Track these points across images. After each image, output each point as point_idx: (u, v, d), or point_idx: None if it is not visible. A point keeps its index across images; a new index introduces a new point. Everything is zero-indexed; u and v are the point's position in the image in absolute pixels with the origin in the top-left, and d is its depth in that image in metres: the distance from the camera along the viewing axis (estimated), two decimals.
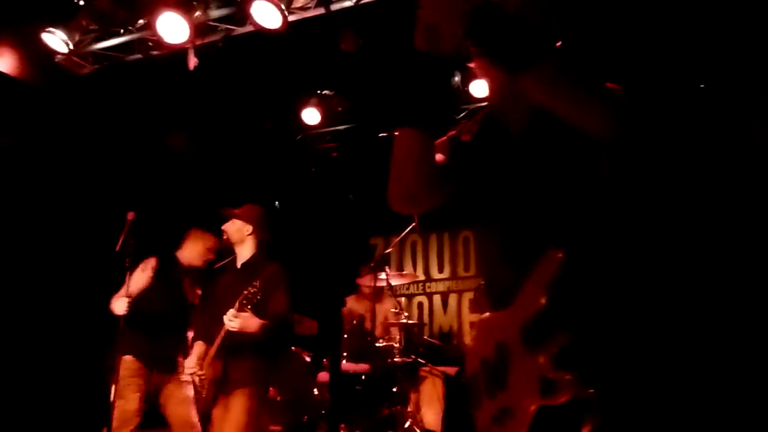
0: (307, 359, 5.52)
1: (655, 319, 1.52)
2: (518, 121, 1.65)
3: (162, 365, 4.26)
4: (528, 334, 1.45)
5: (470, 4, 1.37)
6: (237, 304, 3.48)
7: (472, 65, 1.66)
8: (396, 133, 1.55)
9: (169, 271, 4.41)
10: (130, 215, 4.00)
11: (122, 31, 5.05)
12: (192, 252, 4.52)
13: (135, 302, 3.95)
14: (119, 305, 3.92)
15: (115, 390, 3.77)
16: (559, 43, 1.58)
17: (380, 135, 4.52)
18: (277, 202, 6.80)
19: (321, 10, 4.62)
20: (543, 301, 1.43)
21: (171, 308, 4.35)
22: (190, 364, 3.76)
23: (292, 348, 5.34)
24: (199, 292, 4.50)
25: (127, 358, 4.09)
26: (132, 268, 4.00)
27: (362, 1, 4.48)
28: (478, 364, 1.64)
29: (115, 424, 3.70)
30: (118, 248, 3.99)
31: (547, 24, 1.62)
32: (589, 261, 1.48)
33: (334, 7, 4.59)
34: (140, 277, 4.23)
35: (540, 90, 1.44)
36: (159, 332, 4.28)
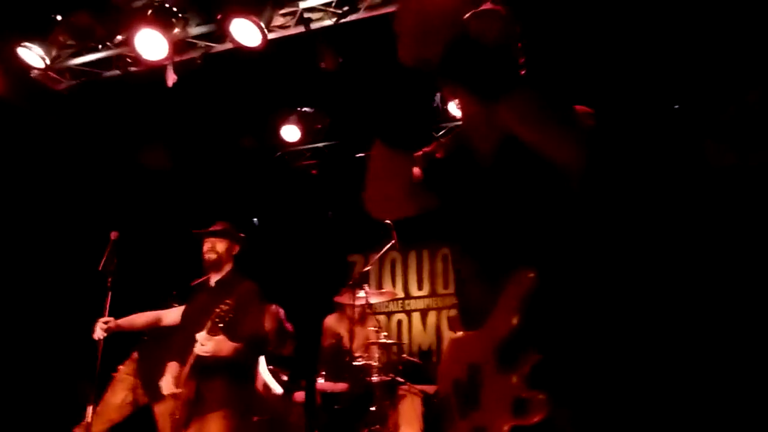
0: (284, 378, 5.46)
1: (625, 337, 1.53)
2: (488, 145, 1.66)
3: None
4: (501, 354, 1.45)
5: (453, 17, 1.36)
6: (209, 326, 3.43)
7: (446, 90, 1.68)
8: (374, 144, 1.54)
9: None
10: (114, 235, 3.96)
11: (100, 46, 5.02)
12: None
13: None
14: (98, 330, 3.86)
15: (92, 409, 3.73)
16: (524, 71, 1.60)
17: (358, 155, 4.54)
18: (255, 219, 6.77)
19: (301, 29, 4.63)
20: (515, 321, 1.44)
21: None
22: (165, 385, 3.70)
23: (270, 367, 5.29)
24: None
25: (134, 356, 4.07)
26: (114, 288, 3.96)
27: (342, 21, 4.50)
28: (450, 384, 1.63)
29: (95, 413, 3.64)
30: (100, 268, 3.95)
31: (518, 52, 1.65)
32: (560, 281, 1.49)
33: (314, 25, 4.61)
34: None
35: (512, 119, 1.45)
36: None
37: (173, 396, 3.63)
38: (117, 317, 3.97)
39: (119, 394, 4.02)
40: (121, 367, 4.21)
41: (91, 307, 4.09)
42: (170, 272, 4.64)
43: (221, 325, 3.44)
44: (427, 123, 1.51)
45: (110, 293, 3.93)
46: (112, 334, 3.88)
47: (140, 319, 4.08)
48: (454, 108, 5.70)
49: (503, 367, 1.43)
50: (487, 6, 1.60)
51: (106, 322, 3.86)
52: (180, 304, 4.41)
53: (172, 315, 4.14)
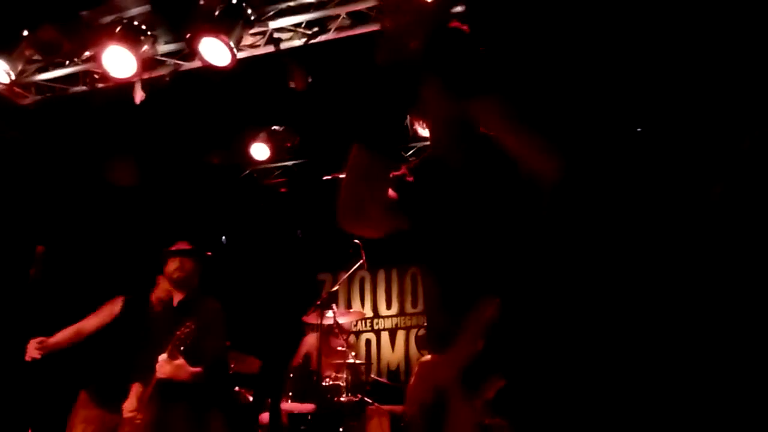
0: (249, 399, 5.40)
1: (590, 364, 1.56)
2: (458, 156, 1.67)
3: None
4: (464, 379, 1.46)
5: (432, 19, 1.39)
6: (169, 349, 3.38)
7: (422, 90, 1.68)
8: (353, 148, 1.52)
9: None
10: (40, 249, 3.88)
11: (67, 62, 4.96)
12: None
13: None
14: (31, 351, 3.77)
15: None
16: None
17: (325, 178, 4.53)
18: (223, 237, 6.72)
19: (270, 48, 4.64)
20: (479, 346, 1.45)
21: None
22: (128, 407, 3.63)
23: (235, 388, 5.22)
24: None
25: (83, 394, 3.97)
26: (44, 304, 3.88)
27: (312, 41, 4.52)
28: (417, 407, 1.64)
29: None
30: (28, 283, 3.87)
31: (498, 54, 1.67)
32: (524, 306, 1.51)
33: (284, 45, 4.62)
34: (104, 317, 4.09)
35: (489, 118, 1.46)
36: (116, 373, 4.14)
37: (133, 419, 3.57)
38: (48, 334, 3.88)
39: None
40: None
41: (17, 324, 4.00)
42: (106, 286, 4.52)
43: (182, 348, 3.40)
44: (404, 129, 1.50)
45: (38, 308, 3.85)
46: (45, 354, 3.79)
47: (64, 335, 3.98)
48: (422, 130, 5.76)
49: (467, 392, 1.44)
50: (454, 24, 1.61)
51: (40, 342, 3.77)
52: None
53: (91, 322, 4.06)
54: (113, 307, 4.16)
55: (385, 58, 1.40)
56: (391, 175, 1.69)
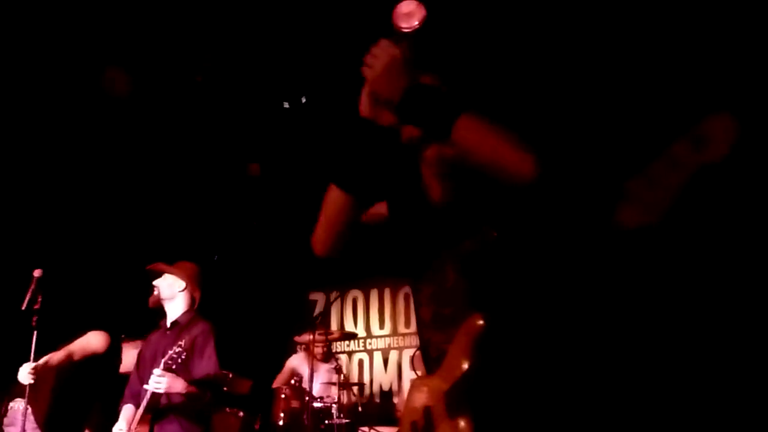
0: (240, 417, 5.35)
1: (579, 383, 1.55)
2: (437, 184, 1.70)
3: None
4: (450, 398, 1.46)
5: (409, 80, 1.51)
6: (162, 365, 3.37)
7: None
8: (329, 188, 1.63)
9: None
10: (37, 272, 3.86)
11: None
12: None
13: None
14: (24, 373, 3.74)
15: None
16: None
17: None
18: (216, 256, 6.69)
19: None
20: (465, 365, 1.45)
21: None
22: (118, 428, 3.59)
23: (227, 409, 5.18)
24: None
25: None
26: (39, 328, 3.84)
27: None
28: (408, 427, 1.64)
29: None
30: (24, 307, 3.84)
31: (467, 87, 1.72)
32: (509, 325, 1.51)
33: None
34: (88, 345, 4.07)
35: (462, 142, 1.50)
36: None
37: None
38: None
39: None
40: None
41: (14, 348, 3.95)
42: (104, 309, 4.50)
43: (174, 367, 3.38)
44: (380, 175, 1.63)
45: (35, 334, 3.81)
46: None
47: (54, 357, 3.95)
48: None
49: (452, 411, 1.44)
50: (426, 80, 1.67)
51: (34, 368, 3.74)
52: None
53: (79, 345, 4.03)
54: (100, 338, 4.13)
55: (367, 111, 1.56)
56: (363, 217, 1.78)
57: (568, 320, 1.58)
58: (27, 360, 3.79)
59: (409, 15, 1.54)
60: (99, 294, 4.61)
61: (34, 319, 3.81)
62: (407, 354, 6.99)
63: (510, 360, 1.49)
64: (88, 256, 5.20)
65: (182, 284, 3.79)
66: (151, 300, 3.80)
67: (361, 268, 5.23)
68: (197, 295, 3.85)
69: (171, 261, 3.90)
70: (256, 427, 5.15)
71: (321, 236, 1.69)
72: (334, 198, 1.62)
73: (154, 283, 3.81)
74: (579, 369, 1.56)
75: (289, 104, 4.92)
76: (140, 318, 4.26)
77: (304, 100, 4.97)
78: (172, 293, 3.78)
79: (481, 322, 1.44)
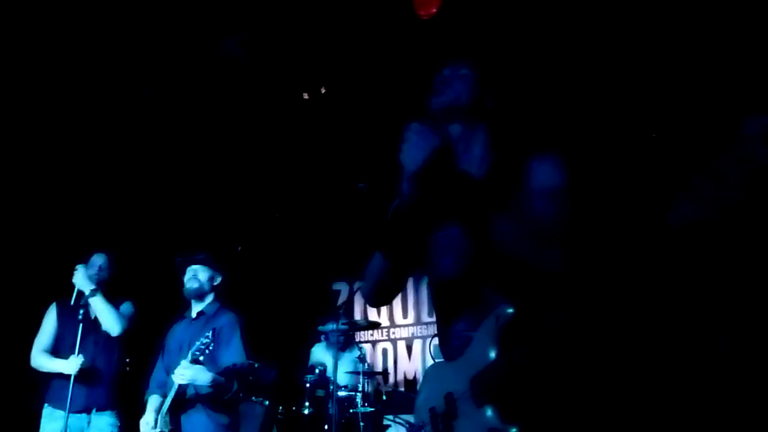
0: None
1: (601, 373, 1.53)
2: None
3: None
4: (476, 386, 1.45)
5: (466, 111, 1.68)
6: (189, 356, 3.39)
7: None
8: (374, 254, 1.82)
9: None
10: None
11: None
12: None
13: None
14: (72, 364, 3.79)
15: None
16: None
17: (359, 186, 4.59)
18: (239, 246, 6.73)
19: None
20: (492, 354, 1.43)
21: None
22: (146, 419, 3.62)
23: (252, 398, 5.21)
24: None
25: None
26: (85, 321, 3.89)
27: None
28: (426, 414, 1.63)
29: None
30: (72, 302, 3.91)
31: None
32: (538, 316, 1.48)
33: None
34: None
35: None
36: None
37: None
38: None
39: None
40: None
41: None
42: (148, 300, 4.53)
43: (201, 357, 3.39)
44: (417, 248, 1.77)
45: (81, 325, 3.86)
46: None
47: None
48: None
49: (478, 399, 1.43)
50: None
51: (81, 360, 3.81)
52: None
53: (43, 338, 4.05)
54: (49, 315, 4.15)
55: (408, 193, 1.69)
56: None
57: (617, 313, 1.55)
58: (72, 353, 3.86)
59: (428, 2, 1.53)
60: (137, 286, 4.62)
61: (82, 313, 3.87)
62: (431, 343, 6.98)
63: (538, 348, 1.47)
64: (125, 247, 5.27)
65: (215, 276, 3.82)
66: (190, 291, 3.81)
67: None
68: (224, 286, 3.87)
69: (197, 252, 3.92)
70: (281, 416, 5.18)
71: (372, 293, 1.91)
72: (377, 262, 1.80)
73: (191, 273, 3.82)
74: (608, 360, 1.54)
75: (308, 95, 4.91)
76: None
77: (323, 90, 4.95)
78: (210, 285, 3.81)
79: (510, 310, 1.42)
